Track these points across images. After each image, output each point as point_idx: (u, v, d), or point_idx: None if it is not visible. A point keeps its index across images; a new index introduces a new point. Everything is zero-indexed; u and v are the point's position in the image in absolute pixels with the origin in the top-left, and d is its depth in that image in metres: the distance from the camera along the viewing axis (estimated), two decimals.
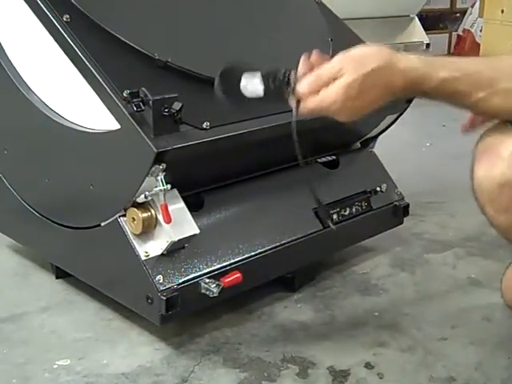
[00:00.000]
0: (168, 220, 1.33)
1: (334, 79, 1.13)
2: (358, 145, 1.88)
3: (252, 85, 1.17)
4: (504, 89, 1.10)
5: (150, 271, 1.36)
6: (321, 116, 1.19)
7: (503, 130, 1.14)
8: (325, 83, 1.13)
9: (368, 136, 1.87)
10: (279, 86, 1.17)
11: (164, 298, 1.34)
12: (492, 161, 1.12)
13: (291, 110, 1.19)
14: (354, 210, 1.73)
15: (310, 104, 1.15)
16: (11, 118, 1.62)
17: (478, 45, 4.40)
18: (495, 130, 1.16)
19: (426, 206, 2.23)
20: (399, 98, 1.18)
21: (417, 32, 4.21)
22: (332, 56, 1.17)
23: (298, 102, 1.17)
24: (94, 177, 1.43)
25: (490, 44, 3.86)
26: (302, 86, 1.15)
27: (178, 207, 1.38)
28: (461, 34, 5.22)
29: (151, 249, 1.38)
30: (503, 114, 1.13)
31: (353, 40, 1.81)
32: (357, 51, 1.15)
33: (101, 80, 1.33)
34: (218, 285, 1.39)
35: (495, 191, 1.11)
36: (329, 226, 1.58)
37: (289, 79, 1.17)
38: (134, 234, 1.38)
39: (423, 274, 1.80)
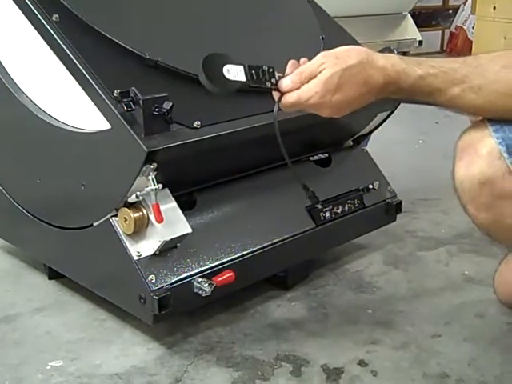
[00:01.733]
0: (160, 220, 1.33)
1: (316, 75, 1.14)
2: (350, 143, 1.88)
3: (235, 70, 1.18)
4: (477, 85, 1.11)
5: (142, 271, 1.36)
6: (303, 112, 1.20)
7: (481, 127, 1.14)
8: (306, 79, 1.15)
9: (360, 134, 1.87)
10: (262, 77, 1.19)
11: (156, 298, 1.34)
12: (471, 159, 1.12)
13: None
14: (346, 207, 1.73)
15: (291, 98, 1.16)
16: (2, 119, 1.61)
17: (471, 41, 4.41)
18: (473, 128, 1.16)
19: (418, 204, 2.23)
20: (380, 99, 1.19)
21: (409, 29, 4.22)
22: None
23: (280, 97, 1.19)
24: (85, 177, 1.43)
25: (482, 41, 3.86)
26: (285, 81, 1.17)
27: (170, 207, 1.37)
28: (453, 30, 5.23)
29: (143, 249, 1.37)
30: (477, 110, 1.14)
31: (344, 38, 1.81)
32: (338, 49, 1.18)
33: (91, 80, 1.33)
34: (210, 284, 1.39)
35: (475, 190, 1.12)
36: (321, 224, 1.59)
37: (273, 72, 1.19)
38: (126, 234, 1.37)
39: (416, 271, 1.81)
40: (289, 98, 1.17)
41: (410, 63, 1.14)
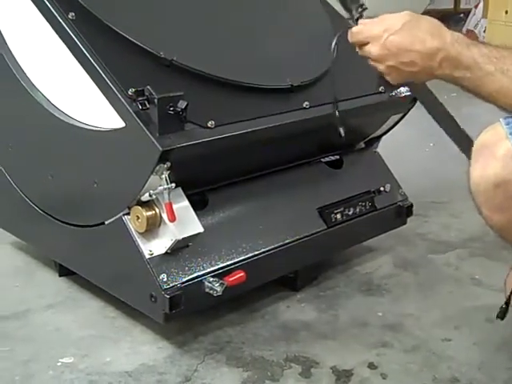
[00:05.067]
0: (172, 218, 1.33)
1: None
2: (362, 145, 1.88)
3: None
4: (509, 68, 1.12)
5: (154, 270, 1.36)
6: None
7: (497, 130, 1.14)
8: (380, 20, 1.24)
9: (372, 136, 1.87)
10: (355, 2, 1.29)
11: (168, 297, 1.34)
12: (487, 161, 1.12)
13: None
14: (357, 209, 1.73)
15: (357, 27, 1.24)
16: (16, 116, 1.62)
17: None
18: (490, 130, 1.16)
19: (429, 207, 2.23)
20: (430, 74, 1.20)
21: None
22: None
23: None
24: (98, 175, 1.43)
25: None
26: (360, 23, 1.26)
27: (183, 206, 1.38)
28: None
29: (155, 247, 1.38)
30: (504, 93, 1.15)
31: None
32: None
33: (106, 78, 1.33)
34: (221, 284, 1.39)
35: (490, 191, 1.12)
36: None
37: (362, 11, 1.28)
38: (139, 233, 1.38)
39: (426, 274, 1.80)
40: (355, 28, 1.25)
41: (462, 39, 1.19)
